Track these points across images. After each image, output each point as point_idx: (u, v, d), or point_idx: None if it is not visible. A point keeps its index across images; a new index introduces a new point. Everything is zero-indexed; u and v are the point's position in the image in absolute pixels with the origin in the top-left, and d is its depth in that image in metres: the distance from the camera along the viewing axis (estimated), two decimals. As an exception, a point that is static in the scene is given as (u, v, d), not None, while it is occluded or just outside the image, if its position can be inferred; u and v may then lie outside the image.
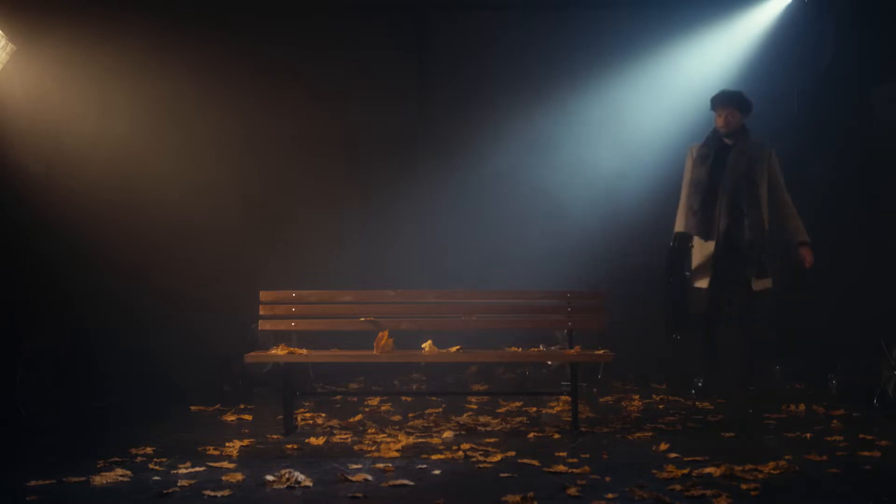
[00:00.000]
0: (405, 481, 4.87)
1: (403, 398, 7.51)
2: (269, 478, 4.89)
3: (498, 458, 5.42)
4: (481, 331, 6.86)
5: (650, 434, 6.12)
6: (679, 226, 7.16)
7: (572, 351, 6.40)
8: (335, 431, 6.27)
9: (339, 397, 7.56)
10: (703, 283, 7.05)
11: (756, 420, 6.57)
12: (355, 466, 5.22)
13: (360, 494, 4.65)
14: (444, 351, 6.35)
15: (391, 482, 4.86)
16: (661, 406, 7.25)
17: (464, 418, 6.67)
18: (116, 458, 5.37)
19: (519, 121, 8.93)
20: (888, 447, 5.63)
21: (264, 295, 6.52)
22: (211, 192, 8.71)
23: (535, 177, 8.93)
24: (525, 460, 5.34)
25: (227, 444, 5.79)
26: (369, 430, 6.25)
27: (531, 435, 6.14)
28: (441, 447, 5.70)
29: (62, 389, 7.66)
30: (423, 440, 5.93)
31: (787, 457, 5.28)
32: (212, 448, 5.68)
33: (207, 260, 8.67)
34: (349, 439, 5.99)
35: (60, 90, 8.37)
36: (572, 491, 4.68)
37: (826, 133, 8.47)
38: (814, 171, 8.07)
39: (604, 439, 6.01)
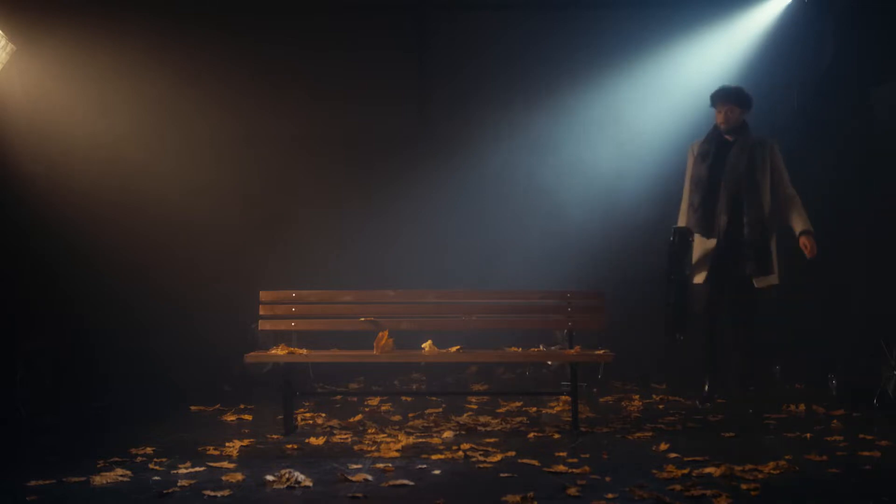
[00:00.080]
0: (405, 481, 4.87)
1: (403, 398, 7.51)
2: (269, 478, 4.89)
3: (498, 458, 5.42)
4: (481, 331, 6.87)
5: (650, 434, 6.12)
6: (680, 222, 7.12)
7: (572, 351, 6.40)
8: (335, 431, 6.27)
9: (339, 397, 7.56)
10: (700, 279, 7.03)
11: (756, 420, 6.57)
12: (355, 466, 5.22)
13: (360, 494, 4.65)
14: (444, 351, 6.35)
15: (391, 482, 4.86)
16: (661, 406, 7.25)
17: (464, 418, 6.67)
18: (116, 458, 5.38)
19: (519, 121, 8.93)
20: (888, 447, 5.63)
21: (264, 295, 6.52)
22: (211, 192, 8.71)
23: (535, 177, 8.93)
24: (525, 460, 5.34)
25: (227, 444, 5.79)
26: (369, 430, 6.25)
27: (531, 435, 6.14)
28: (441, 447, 5.70)
29: (62, 389, 7.66)
30: (423, 440, 5.93)
31: (787, 457, 5.28)
32: (212, 448, 5.68)
33: (207, 260, 8.67)
34: (349, 439, 5.99)
35: (60, 90, 8.37)
36: (572, 491, 4.68)
37: (826, 133, 8.47)
38: (814, 171, 8.06)
39: (604, 439, 6.01)
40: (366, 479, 4.93)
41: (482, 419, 6.62)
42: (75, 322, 8.23)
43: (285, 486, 4.82)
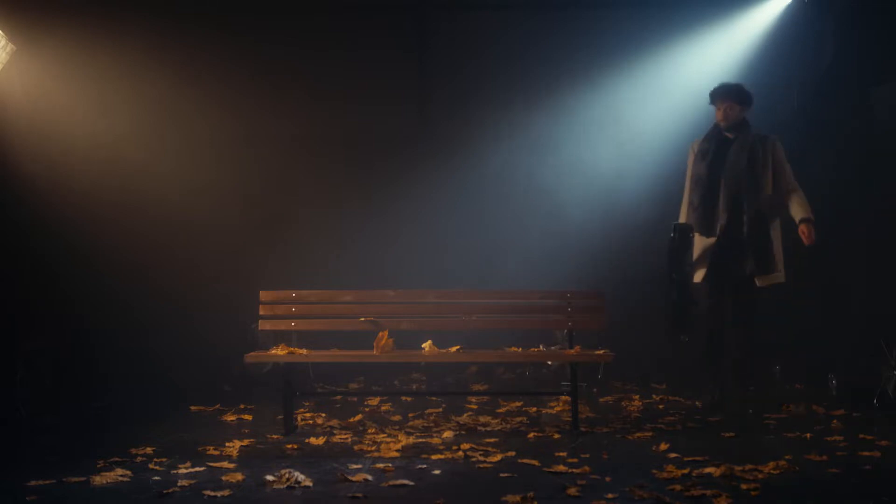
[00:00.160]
0: (405, 481, 4.87)
1: (403, 398, 7.51)
2: (269, 478, 4.89)
3: (498, 458, 5.42)
4: (481, 331, 6.86)
5: (650, 434, 6.12)
6: (681, 220, 7.06)
7: (572, 351, 6.40)
8: (335, 431, 6.27)
9: (339, 397, 7.56)
10: (699, 277, 6.98)
11: (756, 420, 6.57)
12: (355, 466, 5.22)
13: (360, 494, 4.65)
14: (444, 351, 6.35)
15: (391, 482, 4.86)
16: (661, 406, 7.25)
17: (464, 418, 6.67)
18: (116, 458, 5.37)
19: (519, 121, 8.93)
20: (888, 447, 5.63)
21: (264, 295, 6.52)
22: (211, 192, 8.71)
23: (535, 176, 8.93)
24: (525, 460, 5.34)
25: (227, 444, 5.79)
26: (369, 430, 6.25)
27: (531, 435, 6.14)
28: (441, 447, 5.70)
29: (62, 389, 7.66)
30: (423, 440, 5.93)
31: (787, 457, 5.28)
32: (212, 448, 5.68)
33: (207, 260, 8.67)
34: (349, 439, 5.99)
35: (60, 90, 8.37)
36: (572, 491, 4.68)
37: (826, 133, 8.47)
38: (814, 171, 8.05)
39: (604, 439, 6.01)
40: (366, 479, 4.93)
41: (482, 419, 6.62)
42: (75, 322, 8.23)
43: (285, 486, 4.82)
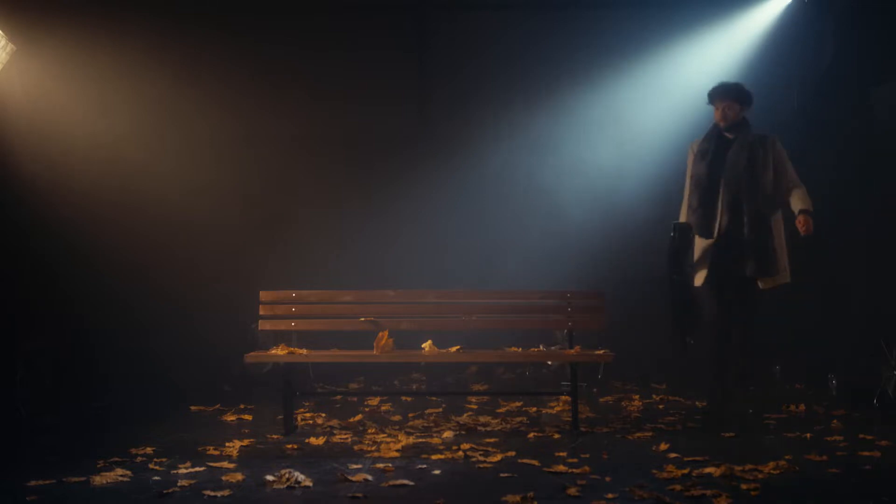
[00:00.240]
0: (405, 481, 4.87)
1: (403, 398, 7.51)
2: (269, 478, 4.89)
3: (498, 458, 5.42)
4: (481, 331, 6.86)
5: (650, 434, 6.12)
6: (681, 220, 7.00)
7: (572, 351, 6.40)
8: (335, 431, 6.27)
9: (339, 397, 7.56)
10: (700, 279, 6.91)
11: (756, 420, 6.57)
12: (355, 466, 5.22)
13: (360, 494, 4.65)
14: (444, 351, 6.35)
15: (391, 482, 4.86)
16: (661, 406, 7.25)
17: (464, 418, 6.67)
18: (116, 458, 5.37)
19: (519, 121, 8.94)
20: (888, 447, 5.63)
21: (264, 295, 6.52)
22: (211, 192, 8.71)
23: (535, 176, 8.93)
24: (525, 460, 5.34)
25: (227, 444, 5.79)
26: (369, 430, 6.25)
27: (531, 435, 6.14)
28: (441, 447, 5.70)
29: (62, 389, 7.66)
30: (423, 440, 5.93)
31: (787, 457, 5.28)
32: (212, 448, 5.68)
33: (207, 260, 8.67)
34: (349, 439, 5.99)
35: (60, 90, 8.37)
36: (572, 491, 4.68)
37: (826, 133, 8.46)
38: (814, 171, 8.04)
39: (604, 439, 6.01)
40: (366, 479, 4.93)
41: (482, 419, 6.62)
42: (75, 322, 8.23)
43: (285, 486, 4.82)
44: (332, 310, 6.58)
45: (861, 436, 5.92)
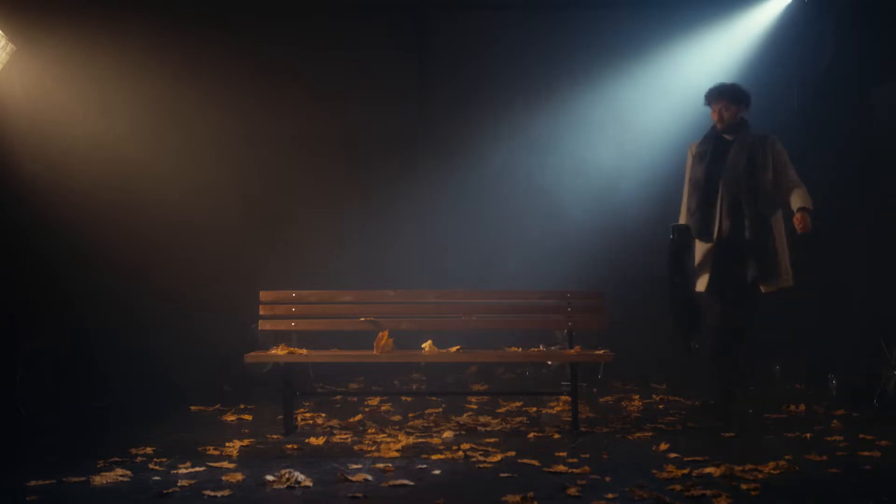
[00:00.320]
0: (405, 481, 4.87)
1: (403, 398, 7.51)
2: (269, 478, 4.89)
3: (498, 458, 5.42)
4: (481, 331, 6.86)
5: (650, 434, 6.12)
6: (681, 221, 6.94)
7: (572, 351, 6.40)
8: (335, 431, 6.27)
9: (339, 397, 7.56)
10: (702, 286, 6.83)
11: (756, 420, 6.57)
12: (355, 466, 5.22)
13: (360, 494, 4.65)
14: (444, 351, 6.35)
15: (391, 482, 4.86)
16: (661, 406, 7.25)
17: (464, 418, 6.67)
18: (116, 458, 5.38)
19: (519, 121, 8.94)
20: (888, 447, 5.63)
21: (264, 295, 6.52)
22: (211, 192, 8.71)
23: (535, 176, 8.94)
24: (525, 460, 5.34)
25: (227, 444, 5.80)
26: (369, 430, 6.25)
27: (531, 435, 6.14)
28: (441, 447, 5.70)
29: (62, 389, 7.66)
30: (423, 440, 5.93)
31: (787, 457, 5.28)
32: (212, 448, 5.68)
33: (207, 260, 8.67)
34: (349, 439, 5.99)
35: (60, 90, 8.37)
36: (572, 491, 4.68)
37: (826, 133, 8.46)
38: (814, 171, 8.04)
39: (604, 439, 6.01)
40: (366, 479, 4.93)
41: (482, 419, 6.62)
42: (75, 322, 8.23)
43: (285, 486, 4.82)
44: (332, 310, 6.58)
45: (861, 436, 5.92)
